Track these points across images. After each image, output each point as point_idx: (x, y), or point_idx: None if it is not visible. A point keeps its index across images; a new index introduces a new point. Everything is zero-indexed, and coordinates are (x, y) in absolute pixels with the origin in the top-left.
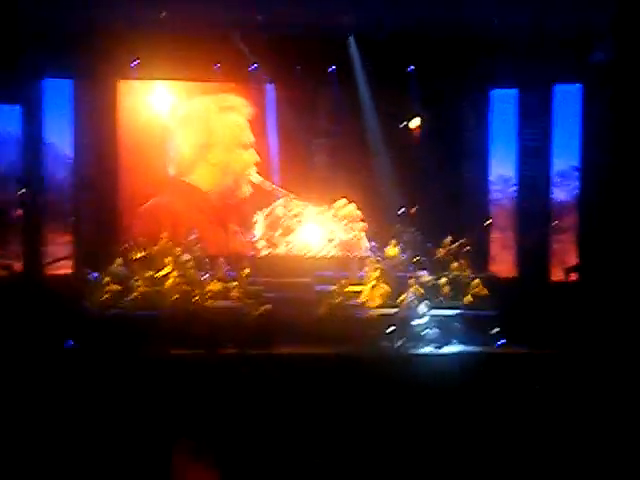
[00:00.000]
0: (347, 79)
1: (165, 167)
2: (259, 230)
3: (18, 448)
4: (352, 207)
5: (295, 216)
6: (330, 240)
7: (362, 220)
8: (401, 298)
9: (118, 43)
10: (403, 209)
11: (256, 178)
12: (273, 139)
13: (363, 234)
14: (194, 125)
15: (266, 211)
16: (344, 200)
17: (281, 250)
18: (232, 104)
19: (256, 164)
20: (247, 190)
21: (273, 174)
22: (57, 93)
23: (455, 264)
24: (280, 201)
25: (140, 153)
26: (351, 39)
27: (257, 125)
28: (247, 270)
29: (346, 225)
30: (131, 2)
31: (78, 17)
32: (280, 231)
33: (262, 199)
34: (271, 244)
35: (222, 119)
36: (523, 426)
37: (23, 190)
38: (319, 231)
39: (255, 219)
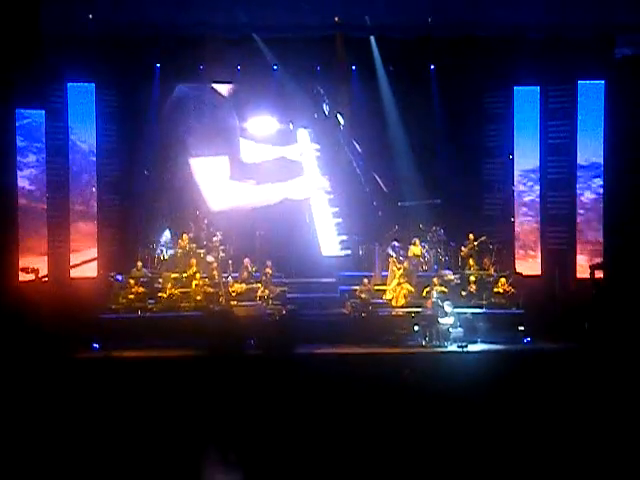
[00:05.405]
0: (368, 79)
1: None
2: None
3: (45, 450)
4: None
5: None
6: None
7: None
8: (425, 297)
9: (140, 47)
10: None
11: None
12: None
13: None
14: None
15: None
16: None
17: None
18: None
19: None
20: None
21: None
22: (80, 97)
23: (479, 262)
24: None
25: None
26: (372, 39)
27: None
28: (269, 270)
29: None
30: (152, 7)
31: (100, 22)
32: None
33: None
34: None
35: None
36: (550, 424)
37: (47, 194)
38: None
39: None
